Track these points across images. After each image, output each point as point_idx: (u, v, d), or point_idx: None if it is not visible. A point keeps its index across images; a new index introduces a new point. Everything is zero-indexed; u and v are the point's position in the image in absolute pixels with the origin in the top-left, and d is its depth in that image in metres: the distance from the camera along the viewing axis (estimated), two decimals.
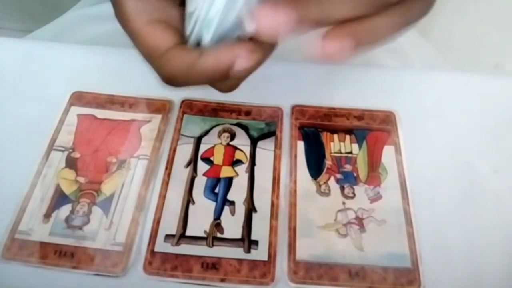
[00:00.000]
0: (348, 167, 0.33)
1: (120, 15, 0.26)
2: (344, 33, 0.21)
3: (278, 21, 0.20)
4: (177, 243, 0.29)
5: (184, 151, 0.33)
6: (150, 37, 0.25)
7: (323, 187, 0.32)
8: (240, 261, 0.28)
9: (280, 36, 0.20)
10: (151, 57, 0.25)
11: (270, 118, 0.35)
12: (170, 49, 0.24)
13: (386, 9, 0.22)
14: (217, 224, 0.30)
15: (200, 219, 0.30)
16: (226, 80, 0.24)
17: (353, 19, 0.21)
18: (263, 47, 0.23)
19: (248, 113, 0.35)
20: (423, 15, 0.25)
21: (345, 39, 0.21)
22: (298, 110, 0.36)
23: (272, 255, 0.29)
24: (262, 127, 0.35)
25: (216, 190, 0.31)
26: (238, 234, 0.30)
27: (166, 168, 0.32)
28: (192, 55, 0.23)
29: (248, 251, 0.29)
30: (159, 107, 0.35)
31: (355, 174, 0.33)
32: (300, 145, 0.34)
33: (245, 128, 0.35)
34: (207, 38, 0.24)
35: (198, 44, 0.24)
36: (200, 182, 0.32)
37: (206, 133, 0.34)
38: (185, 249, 0.29)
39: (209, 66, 0.23)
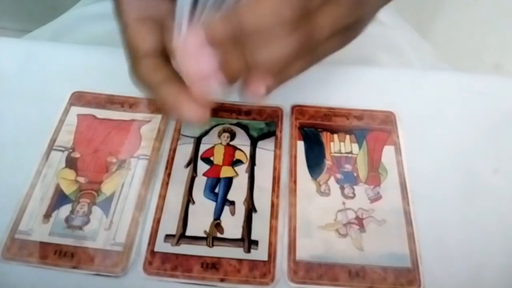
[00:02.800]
0: (348, 167, 0.33)
1: (116, 8, 0.27)
2: (259, 78, 0.23)
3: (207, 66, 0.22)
4: (177, 243, 0.29)
5: (184, 151, 0.33)
6: (134, 36, 0.25)
7: (323, 187, 0.32)
8: (240, 261, 0.28)
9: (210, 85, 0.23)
10: (129, 55, 0.26)
11: (270, 118, 0.35)
12: (145, 57, 0.25)
13: (299, 54, 0.23)
14: (217, 224, 0.30)
15: (200, 219, 0.30)
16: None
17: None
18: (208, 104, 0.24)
19: (248, 113, 0.35)
20: (342, 47, 0.26)
21: (259, 86, 0.23)
22: (298, 110, 0.36)
23: (272, 255, 0.29)
24: (262, 127, 0.35)
25: (216, 190, 0.31)
26: (238, 234, 0.30)
27: (166, 168, 0.32)
28: (157, 78, 0.25)
29: (248, 251, 0.29)
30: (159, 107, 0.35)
31: (355, 174, 0.33)
32: (300, 145, 0.34)
33: (245, 128, 0.35)
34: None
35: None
36: (200, 182, 0.32)
37: (206, 133, 0.34)
38: (185, 249, 0.29)
39: (163, 99, 0.25)
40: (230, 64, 0.22)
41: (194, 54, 0.22)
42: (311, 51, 0.24)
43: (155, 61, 0.25)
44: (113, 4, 0.27)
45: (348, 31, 0.25)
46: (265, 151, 0.33)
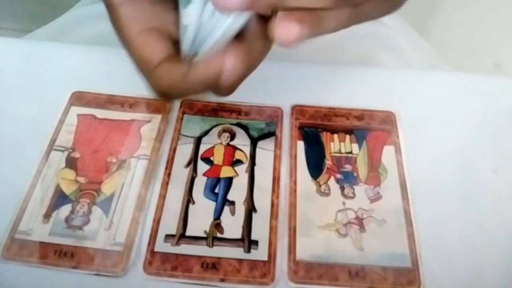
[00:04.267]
0: (348, 167, 0.33)
1: (114, 22, 0.25)
2: (292, 19, 0.21)
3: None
4: (177, 243, 0.29)
5: (184, 151, 0.33)
6: (142, 49, 0.24)
7: (323, 187, 0.32)
8: (240, 261, 0.28)
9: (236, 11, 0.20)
10: (143, 70, 0.25)
11: (270, 118, 0.35)
12: (161, 64, 0.24)
13: (342, 5, 0.22)
14: (217, 224, 0.30)
15: (200, 219, 0.30)
16: (219, 87, 0.24)
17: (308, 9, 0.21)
18: (253, 50, 0.23)
19: (248, 113, 0.35)
20: (385, 14, 0.25)
21: (292, 23, 0.21)
22: (298, 110, 0.36)
23: (272, 255, 0.29)
24: (262, 127, 0.35)
25: (216, 190, 0.31)
26: (238, 234, 0.30)
27: (166, 168, 0.32)
28: (181, 69, 0.24)
29: (248, 251, 0.29)
30: (159, 107, 0.35)
31: (355, 174, 0.33)
32: (300, 145, 0.34)
33: (245, 128, 0.35)
34: (204, 49, 0.24)
35: (195, 54, 0.24)
36: (200, 182, 0.32)
37: (206, 133, 0.34)
38: (185, 249, 0.29)
39: (198, 78, 0.23)
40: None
41: None
42: (353, 6, 0.22)
43: (172, 61, 0.24)
44: (112, 20, 0.26)
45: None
46: (265, 151, 0.33)
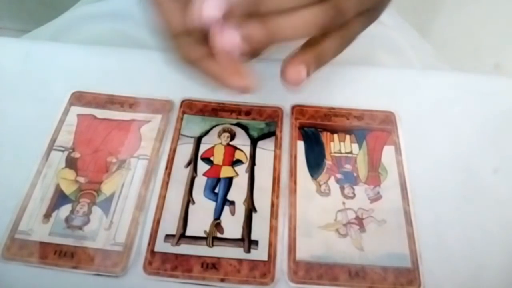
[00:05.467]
0: (348, 167, 0.33)
1: None
2: (298, 62, 0.24)
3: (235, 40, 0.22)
4: (177, 243, 0.29)
5: (184, 151, 0.33)
6: (166, 14, 0.26)
7: (323, 187, 0.32)
8: (240, 261, 0.28)
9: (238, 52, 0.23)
10: (165, 35, 0.26)
11: (270, 118, 0.35)
12: (182, 35, 0.25)
13: (332, 30, 0.24)
14: (217, 224, 0.30)
15: (200, 219, 0.30)
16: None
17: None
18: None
19: (248, 113, 0.35)
20: (368, 25, 0.27)
21: (299, 67, 0.24)
22: (298, 110, 0.36)
23: (272, 255, 0.29)
24: (262, 127, 0.35)
25: (216, 190, 0.31)
26: (238, 234, 0.30)
27: (166, 168, 0.32)
28: (199, 53, 0.25)
29: (248, 251, 0.29)
30: (159, 107, 0.35)
31: (355, 174, 0.33)
32: (300, 145, 0.34)
33: (245, 128, 0.35)
34: None
35: None
36: (200, 182, 0.32)
37: (206, 133, 0.34)
38: (185, 249, 0.29)
39: (209, 74, 0.25)
40: (253, 36, 0.22)
41: (215, 27, 0.22)
42: (340, 29, 0.25)
43: (195, 38, 0.25)
44: None
45: (371, 11, 0.26)
46: (265, 151, 0.33)
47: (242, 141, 0.34)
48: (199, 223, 0.30)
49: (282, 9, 0.22)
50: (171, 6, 0.26)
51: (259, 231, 0.30)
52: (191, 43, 0.25)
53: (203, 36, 0.25)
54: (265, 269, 0.28)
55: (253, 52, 0.24)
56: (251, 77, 0.25)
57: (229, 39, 0.22)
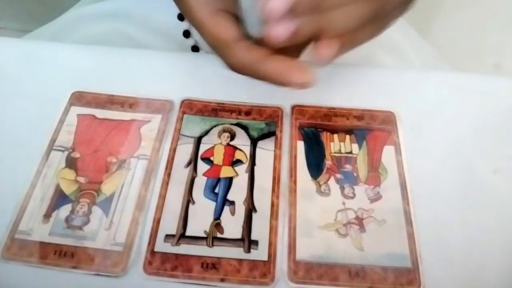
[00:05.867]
0: (348, 167, 0.33)
1: (183, 8, 0.27)
2: (330, 41, 0.24)
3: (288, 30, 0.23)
4: (177, 243, 0.29)
5: (184, 151, 0.33)
6: (215, 28, 0.26)
7: (323, 187, 0.32)
8: (240, 261, 0.28)
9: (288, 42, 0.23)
10: (217, 47, 0.27)
11: (270, 118, 0.35)
12: (236, 42, 0.26)
13: (371, 21, 0.25)
14: (217, 224, 0.30)
15: (200, 219, 0.30)
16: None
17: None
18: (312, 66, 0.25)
19: (248, 113, 0.35)
20: (400, 16, 0.28)
21: (332, 41, 0.24)
22: (298, 110, 0.36)
23: (272, 255, 0.29)
24: (262, 127, 0.35)
25: (216, 190, 0.31)
26: (238, 234, 0.30)
27: (166, 168, 0.32)
28: (256, 56, 0.25)
29: (248, 251, 0.29)
30: (159, 107, 0.35)
31: (355, 174, 0.33)
32: (300, 145, 0.34)
33: (245, 128, 0.35)
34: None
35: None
36: (200, 182, 0.32)
37: (206, 133, 0.34)
38: (185, 249, 0.29)
39: (269, 74, 0.25)
40: (305, 28, 0.23)
41: (274, 18, 0.22)
42: (381, 18, 0.25)
43: (248, 43, 0.26)
44: (180, 6, 0.28)
45: (405, 4, 0.27)
46: (265, 151, 0.33)
47: (242, 141, 0.34)
48: (199, 223, 0.30)
49: (340, 4, 0.23)
50: (218, 20, 0.26)
51: (259, 231, 0.30)
52: (246, 47, 0.26)
53: (258, 40, 0.26)
54: (265, 269, 0.28)
55: (300, 47, 0.25)
56: (311, 72, 0.25)
57: (283, 29, 0.23)
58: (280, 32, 0.23)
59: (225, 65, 0.27)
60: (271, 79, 0.26)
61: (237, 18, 0.27)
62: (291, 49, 0.26)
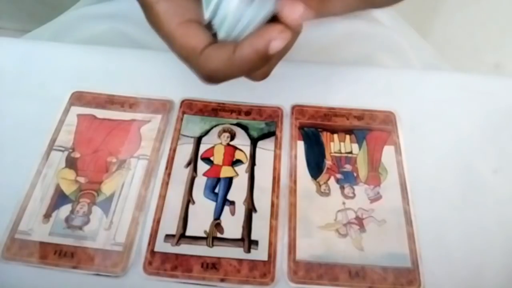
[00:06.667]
0: (348, 167, 0.33)
1: (152, 19, 0.27)
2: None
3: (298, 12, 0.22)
4: (177, 243, 0.29)
5: (184, 151, 0.33)
6: (185, 39, 0.25)
7: (323, 187, 0.32)
8: (240, 261, 0.28)
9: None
10: (189, 58, 0.26)
11: (270, 118, 0.35)
12: (206, 48, 0.25)
13: None
14: (217, 224, 0.30)
15: (200, 219, 0.30)
16: (262, 66, 0.25)
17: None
18: (290, 28, 0.24)
19: (248, 113, 0.35)
20: (393, 3, 0.26)
21: (297, 5, 0.23)
22: (298, 110, 0.36)
23: (272, 255, 0.29)
24: (262, 127, 0.35)
25: (216, 190, 0.31)
26: (238, 234, 0.30)
27: (166, 168, 0.32)
28: (228, 49, 0.24)
29: (248, 251, 0.29)
30: (159, 107, 0.35)
31: (355, 174, 0.33)
32: (300, 145, 0.34)
33: (245, 128, 0.35)
34: (243, 35, 0.25)
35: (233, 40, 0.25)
36: (200, 182, 0.32)
37: (206, 133, 0.34)
38: (185, 249, 0.29)
39: (246, 56, 0.24)
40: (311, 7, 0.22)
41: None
42: None
43: (217, 44, 0.25)
44: (148, 17, 0.27)
45: None
46: (265, 151, 0.33)
47: (242, 141, 0.34)
48: (199, 223, 0.30)
49: None
50: (188, 30, 0.25)
51: (259, 231, 0.30)
52: (215, 48, 0.25)
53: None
54: (265, 269, 0.28)
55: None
56: (284, 27, 0.24)
57: (297, 11, 0.23)
58: (296, 14, 0.23)
59: (200, 76, 0.26)
60: (251, 59, 0.24)
61: (207, 28, 0.26)
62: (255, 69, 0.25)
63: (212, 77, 0.26)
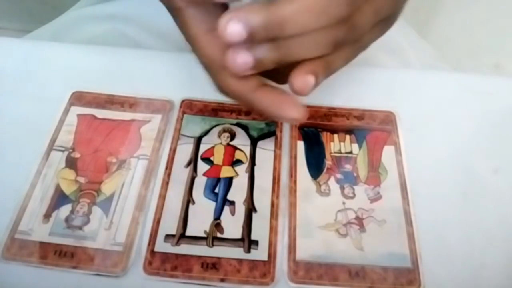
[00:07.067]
0: (348, 167, 0.33)
1: (180, 23, 0.26)
2: (306, 71, 0.23)
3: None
4: (177, 243, 0.29)
5: (184, 151, 0.33)
6: (208, 47, 0.25)
7: (323, 187, 0.32)
8: (240, 261, 0.28)
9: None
10: (209, 68, 0.26)
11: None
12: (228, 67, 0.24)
13: (342, 46, 0.23)
14: (217, 224, 0.30)
15: (200, 219, 0.30)
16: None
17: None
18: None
19: (248, 113, 0.35)
20: (381, 35, 0.27)
21: (307, 77, 0.23)
22: None
23: (272, 255, 0.29)
24: (262, 127, 0.35)
25: (216, 190, 0.31)
26: (238, 234, 0.30)
27: (166, 168, 0.32)
28: (248, 85, 0.24)
29: (248, 251, 0.29)
30: (159, 107, 0.35)
31: (355, 174, 0.33)
32: (300, 145, 0.34)
33: (245, 128, 0.35)
34: None
35: None
36: (200, 182, 0.32)
37: (206, 133, 0.34)
38: (185, 249, 0.29)
39: (260, 104, 0.25)
40: (265, 58, 0.22)
41: (231, 46, 0.22)
42: (354, 42, 0.24)
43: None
44: (177, 22, 0.27)
45: (387, 20, 0.26)
46: (265, 151, 0.33)
47: (242, 141, 0.34)
48: (199, 223, 0.30)
49: (303, 32, 0.21)
50: (213, 39, 0.25)
51: (259, 231, 0.30)
52: (237, 79, 0.25)
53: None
54: (265, 269, 0.28)
55: (282, 71, 0.24)
56: (302, 107, 0.24)
57: (242, 60, 0.22)
58: (241, 63, 0.22)
59: (215, 87, 0.26)
60: (263, 111, 0.25)
61: None
62: (278, 72, 0.25)
63: (225, 93, 0.26)
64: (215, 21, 0.24)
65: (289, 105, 0.24)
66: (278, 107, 0.24)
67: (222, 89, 0.26)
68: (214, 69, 0.25)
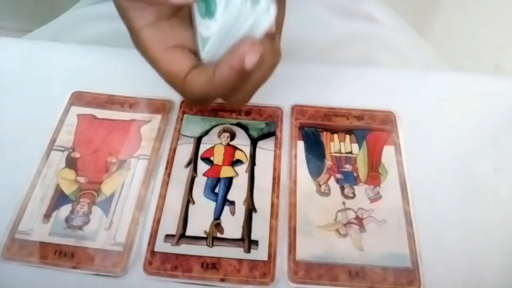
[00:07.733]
0: (348, 167, 0.33)
1: (137, 44, 0.28)
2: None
3: None
4: (177, 243, 0.29)
5: (184, 151, 0.33)
6: (169, 65, 0.27)
7: (323, 187, 0.32)
8: (240, 261, 0.28)
9: None
10: (174, 84, 0.27)
11: (270, 118, 0.35)
12: (189, 73, 0.26)
13: None
14: (217, 224, 0.30)
15: (200, 219, 0.30)
16: (243, 84, 0.26)
17: None
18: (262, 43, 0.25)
19: (248, 113, 0.35)
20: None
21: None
22: (298, 110, 0.36)
23: (272, 255, 0.29)
24: (262, 127, 0.35)
25: (216, 190, 0.31)
26: (238, 234, 0.30)
27: (166, 168, 0.32)
28: (208, 72, 0.25)
29: (248, 251, 0.29)
30: (159, 107, 0.35)
31: (355, 174, 0.33)
32: (300, 145, 0.34)
33: (245, 128, 0.35)
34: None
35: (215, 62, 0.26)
36: (200, 182, 0.32)
37: (206, 133, 0.34)
38: (185, 249, 0.29)
39: (224, 75, 0.25)
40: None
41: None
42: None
43: (198, 68, 0.26)
44: (135, 43, 0.28)
45: None
46: (265, 151, 0.33)
47: (242, 141, 0.34)
48: (199, 223, 0.30)
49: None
50: (172, 56, 0.27)
51: (259, 231, 0.30)
52: (197, 72, 0.26)
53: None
54: (265, 269, 0.28)
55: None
56: (256, 43, 0.25)
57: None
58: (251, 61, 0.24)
59: (186, 100, 0.28)
60: (229, 77, 0.25)
61: (191, 51, 0.27)
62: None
63: (197, 100, 0.27)
64: (170, 39, 0.27)
65: (246, 49, 0.24)
66: (239, 58, 0.24)
67: (193, 97, 0.27)
68: (179, 84, 0.27)
